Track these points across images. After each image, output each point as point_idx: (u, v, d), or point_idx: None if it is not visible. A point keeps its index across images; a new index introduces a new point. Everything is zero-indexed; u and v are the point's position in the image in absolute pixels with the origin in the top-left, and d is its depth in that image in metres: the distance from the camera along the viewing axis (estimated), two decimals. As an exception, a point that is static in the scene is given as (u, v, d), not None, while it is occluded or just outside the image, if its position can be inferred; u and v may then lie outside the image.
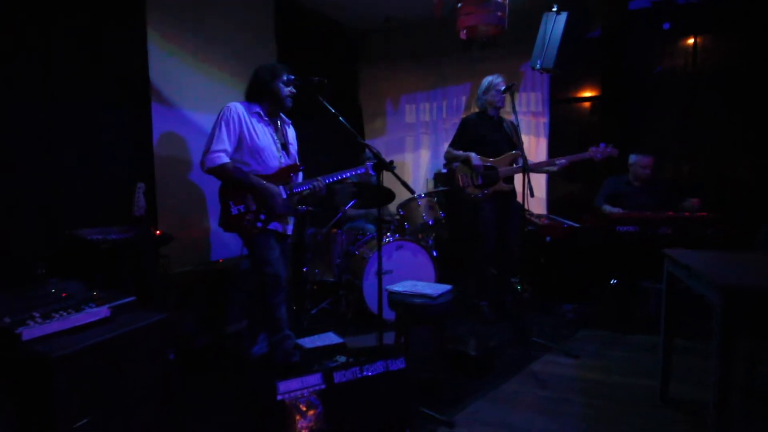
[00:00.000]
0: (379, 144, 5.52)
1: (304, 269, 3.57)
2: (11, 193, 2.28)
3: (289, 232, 2.57)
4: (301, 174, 2.59)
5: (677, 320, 2.19)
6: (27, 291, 1.85)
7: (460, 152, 3.38)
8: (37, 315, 1.62)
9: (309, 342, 2.76)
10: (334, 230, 3.68)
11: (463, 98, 5.22)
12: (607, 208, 3.55)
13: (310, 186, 2.45)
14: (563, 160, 3.24)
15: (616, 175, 3.79)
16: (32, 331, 1.54)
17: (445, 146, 5.22)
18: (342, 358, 2.51)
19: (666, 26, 4.28)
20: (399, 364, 1.81)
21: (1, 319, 1.56)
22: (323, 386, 1.67)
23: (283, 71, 2.43)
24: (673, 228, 3.10)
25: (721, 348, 1.55)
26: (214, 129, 2.35)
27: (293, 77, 2.42)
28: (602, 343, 2.92)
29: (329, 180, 2.50)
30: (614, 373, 2.50)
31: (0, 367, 1.52)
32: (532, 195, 2.82)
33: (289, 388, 1.63)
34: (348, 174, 2.57)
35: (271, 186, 2.37)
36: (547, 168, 3.36)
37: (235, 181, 2.34)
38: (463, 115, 5.15)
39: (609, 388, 2.34)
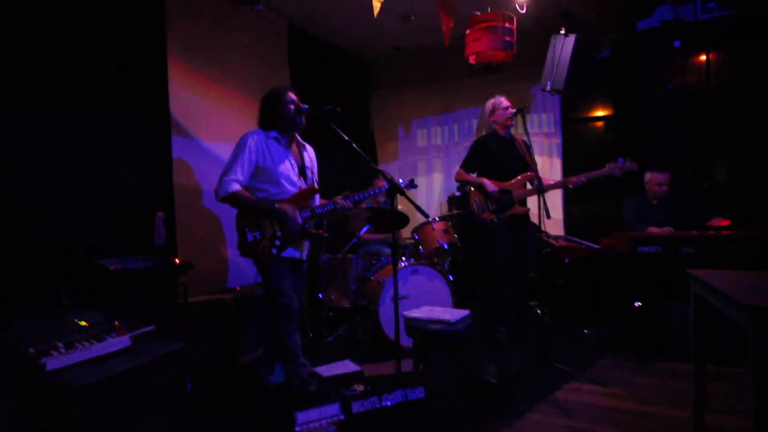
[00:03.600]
0: (391, 168, 5.57)
1: (320, 295, 3.57)
2: (37, 224, 2.35)
3: (305, 257, 2.58)
4: (317, 197, 2.61)
5: (708, 345, 2.10)
6: (51, 320, 1.88)
7: (473, 176, 3.37)
8: (61, 345, 1.64)
9: (326, 370, 2.72)
10: (349, 256, 3.68)
11: (474, 121, 5.27)
12: (653, 230, 3.39)
13: (330, 208, 2.47)
14: (582, 178, 3.16)
15: (633, 194, 3.74)
16: (56, 361, 1.55)
17: (458, 169, 5.26)
18: (360, 387, 2.47)
19: (677, 44, 4.29)
20: (418, 393, 1.77)
21: (26, 349, 1.59)
22: (342, 417, 1.64)
23: (284, 92, 2.47)
24: (696, 247, 3.02)
25: (755, 374, 1.47)
26: (230, 158, 2.41)
27: (306, 107, 2.48)
28: (629, 369, 2.82)
29: (351, 200, 2.51)
30: (644, 401, 2.40)
31: (24, 396, 1.53)
32: (548, 216, 2.78)
33: (307, 418, 1.60)
34: (366, 195, 2.59)
35: (284, 206, 2.39)
36: (562, 186, 3.31)
37: (249, 207, 2.38)
38: (475, 138, 5.22)
39: (640, 418, 2.24)
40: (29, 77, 2.33)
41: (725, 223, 3.30)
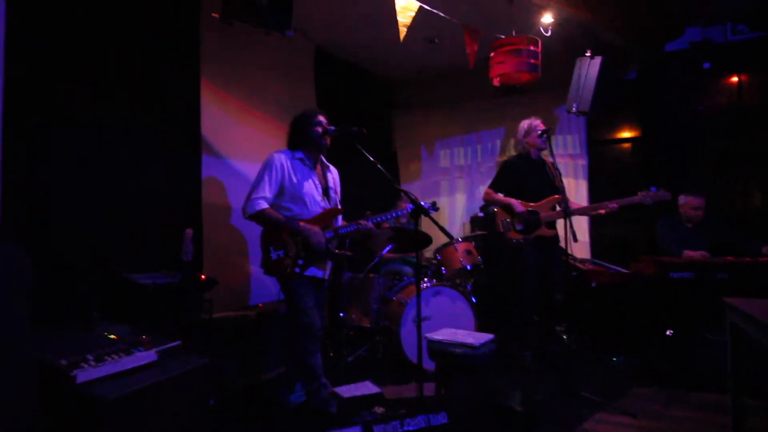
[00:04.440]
0: (414, 188, 5.58)
1: (341, 315, 3.56)
2: (68, 237, 2.43)
3: (327, 277, 2.59)
4: (340, 217, 2.64)
5: (747, 377, 2.00)
6: (81, 333, 1.94)
7: (501, 196, 3.35)
8: (91, 358, 1.68)
9: (346, 391, 2.70)
10: (371, 275, 3.67)
11: (498, 142, 5.26)
12: (688, 254, 3.28)
13: (353, 229, 2.49)
14: (613, 205, 3.10)
15: (666, 216, 3.63)
16: (86, 373, 1.59)
17: (481, 189, 5.19)
18: (380, 409, 2.43)
19: (706, 66, 4.22)
20: (441, 419, 1.73)
21: (57, 360, 1.64)
22: (363, 440, 1.62)
23: (314, 115, 2.53)
24: (732, 273, 2.90)
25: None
26: (257, 177, 2.47)
27: (333, 128, 2.53)
28: (661, 401, 2.69)
29: (374, 221, 2.53)
30: (677, 435, 2.28)
31: (54, 407, 1.57)
32: (575, 240, 2.73)
33: (328, 440, 1.58)
34: (389, 217, 2.60)
35: (310, 226, 2.42)
36: (593, 212, 3.24)
37: (275, 225, 2.42)
38: (498, 159, 5.20)
39: (673, 452, 2.13)
40: (65, 96, 2.45)
41: None
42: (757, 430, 2.12)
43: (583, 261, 3.96)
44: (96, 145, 2.57)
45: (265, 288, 3.51)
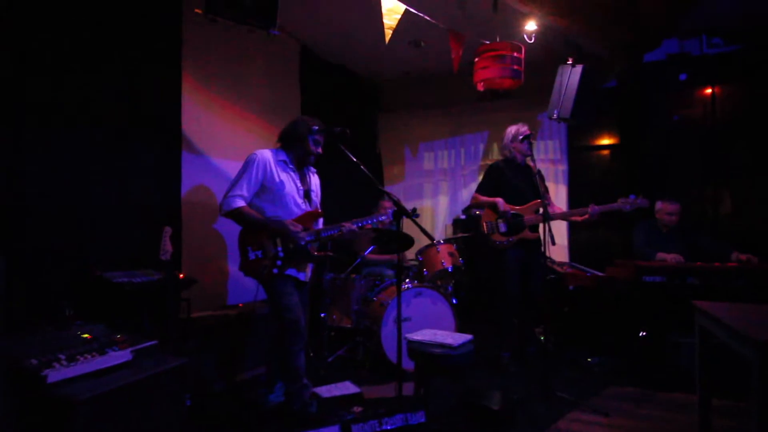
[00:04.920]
0: (397, 190, 5.60)
1: (322, 315, 3.55)
2: (43, 235, 2.37)
3: (307, 279, 2.59)
4: (321, 220, 2.64)
5: (713, 377, 2.07)
6: (54, 332, 1.89)
7: (486, 198, 3.40)
8: (63, 357, 1.64)
9: (326, 391, 2.69)
10: (353, 276, 3.67)
11: (481, 146, 5.32)
12: (661, 255, 3.37)
13: (335, 232, 2.49)
14: (594, 209, 3.16)
15: (643, 221, 3.74)
16: (57, 373, 1.56)
17: (464, 193, 5.25)
18: (359, 409, 2.43)
19: (682, 77, 4.36)
20: (419, 418, 1.75)
21: (28, 360, 1.60)
22: (341, 440, 1.62)
23: (319, 133, 2.51)
24: (701, 278, 3.00)
25: (759, 409, 1.45)
26: (237, 174, 2.45)
27: (316, 128, 2.53)
28: (633, 401, 2.76)
29: (357, 225, 2.53)
30: (648, 434, 2.35)
31: (24, 408, 1.53)
32: (553, 243, 2.79)
33: (305, 440, 1.58)
34: (371, 221, 2.60)
35: (288, 223, 2.40)
36: (575, 218, 3.31)
37: (251, 224, 2.40)
38: (481, 162, 5.27)
39: (643, 450, 2.19)
40: (39, 93, 2.38)
41: (754, 260, 3.16)
42: (721, 428, 2.20)
43: (561, 264, 4.04)
44: (71, 142, 2.51)
45: (243, 288, 3.48)
